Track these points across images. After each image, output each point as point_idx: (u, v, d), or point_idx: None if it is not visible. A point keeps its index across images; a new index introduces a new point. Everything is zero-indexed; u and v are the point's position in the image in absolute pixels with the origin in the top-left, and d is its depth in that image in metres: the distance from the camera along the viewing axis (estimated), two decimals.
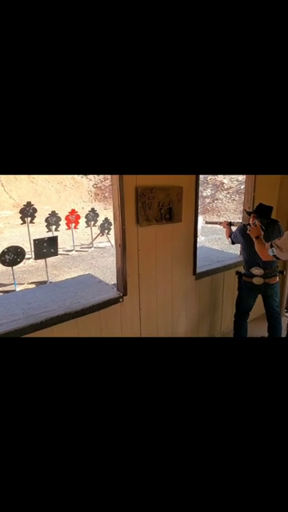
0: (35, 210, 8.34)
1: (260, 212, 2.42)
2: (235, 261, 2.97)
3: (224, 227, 2.87)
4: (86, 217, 9.63)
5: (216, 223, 3.22)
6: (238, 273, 2.65)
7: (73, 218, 9.24)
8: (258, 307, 2.72)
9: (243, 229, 2.47)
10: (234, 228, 2.75)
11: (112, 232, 7.57)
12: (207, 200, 14.69)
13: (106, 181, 18.03)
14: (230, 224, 2.83)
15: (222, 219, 13.14)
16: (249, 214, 2.56)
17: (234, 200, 14.00)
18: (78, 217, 9.48)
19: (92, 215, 9.68)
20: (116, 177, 1.96)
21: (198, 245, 2.65)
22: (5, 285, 6.23)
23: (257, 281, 2.46)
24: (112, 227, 7.66)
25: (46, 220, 8.65)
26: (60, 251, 7.74)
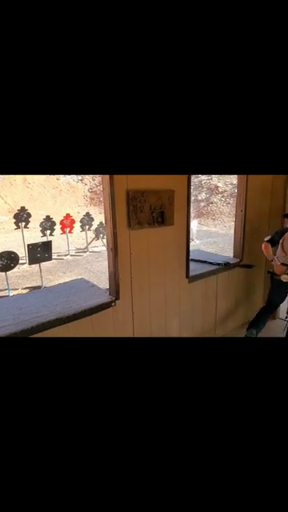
0: (29, 215, 8.31)
1: None
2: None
3: (265, 249, 2.83)
4: (81, 221, 9.61)
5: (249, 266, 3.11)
6: (269, 272, 2.90)
7: (67, 223, 9.22)
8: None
9: (283, 231, 2.72)
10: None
11: None
12: (202, 204, 14.78)
13: (101, 185, 18.03)
14: (271, 241, 2.81)
15: (216, 222, 13.17)
16: (285, 216, 2.88)
17: (228, 203, 14.10)
18: (73, 221, 9.46)
19: (87, 219, 9.67)
20: (106, 180, 1.96)
21: (192, 248, 2.66)
22: None
23: (285, 278, 2.71)
24: None
25: (41, 225, 8.62)
26: (55, 256, 7.71)
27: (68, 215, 9.47)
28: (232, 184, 14.49)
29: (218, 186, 15.13)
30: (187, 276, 2.62)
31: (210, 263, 2.92)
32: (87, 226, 9.61)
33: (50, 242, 6.48)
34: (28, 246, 5.99)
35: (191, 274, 2.65)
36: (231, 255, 3.22)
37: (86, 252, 9.26)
